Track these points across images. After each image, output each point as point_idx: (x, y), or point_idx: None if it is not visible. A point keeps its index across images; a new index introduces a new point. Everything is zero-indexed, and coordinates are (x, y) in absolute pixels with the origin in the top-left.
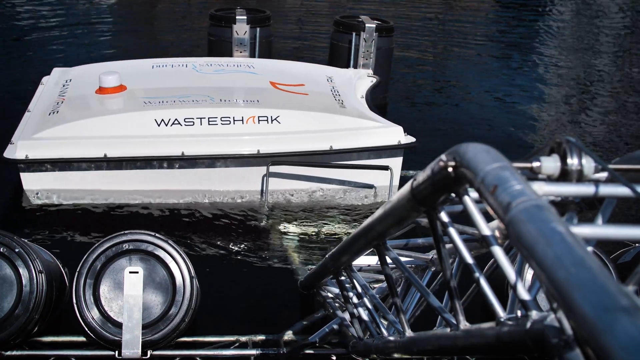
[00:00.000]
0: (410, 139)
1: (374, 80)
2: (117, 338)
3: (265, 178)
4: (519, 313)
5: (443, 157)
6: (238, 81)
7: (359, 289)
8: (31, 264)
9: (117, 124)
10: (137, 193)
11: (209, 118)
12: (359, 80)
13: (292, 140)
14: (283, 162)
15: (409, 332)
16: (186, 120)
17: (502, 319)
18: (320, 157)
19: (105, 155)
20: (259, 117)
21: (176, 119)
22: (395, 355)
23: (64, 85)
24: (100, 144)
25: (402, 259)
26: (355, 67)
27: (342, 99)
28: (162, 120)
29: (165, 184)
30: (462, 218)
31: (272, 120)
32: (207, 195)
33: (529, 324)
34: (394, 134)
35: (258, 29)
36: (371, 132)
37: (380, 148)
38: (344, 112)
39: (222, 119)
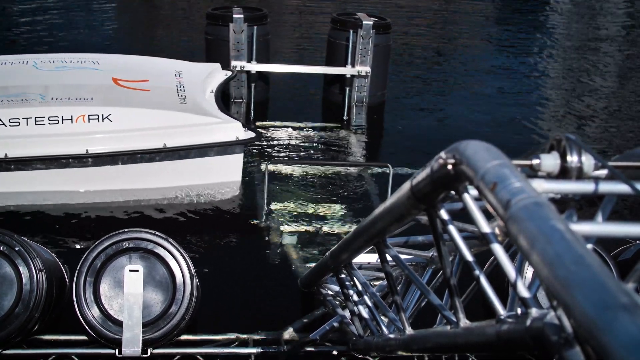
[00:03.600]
0: (250, 135)
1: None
2: (117, 336)
3: (264, 178)
4: (519, 311)
5: (443, 154)
6: (77, 78)
7: (359, 287)
8: (31, 263)
9: None
10: None
11: (35, 118)
12: (212, 74)
13: (123, 139)
14: (279, 162)
15: (409, 330)
16: (11, 120)
17: (502, 317)
18: (152, 156)
19: None
20: (89, 115)
21: (0, 120)
22: (396, 353)
23: None
24: None
25: (402, 256)
26: (353, 64)
27: (185, 95)
28: None
29: None
30: (462, 216)
31: (103, 119)
32: (36, 199)
33: (528, 322)
34: (232, 130)
35: (255, 28)
36: (208, 128)
37: (215, 145)
38: (182, 108)
39: (50, 118)
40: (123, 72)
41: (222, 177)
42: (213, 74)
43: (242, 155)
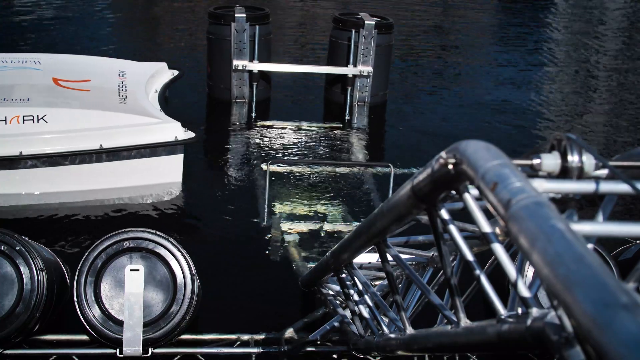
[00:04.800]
0: (189, 135)
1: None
2: (118, 336)
3: (265, 177)
4: (519, 310)
5: (443, 154)
6: (16, 78)
7: (360, 287)
8: (32, 262)
9: None
10: None
11: None
12: (158, 74)
13: (58, 140)
14: (280, 161)
15: (409, 330)
16: None
17: (502, 316)
18: (88, 157)
19: None
20: (24, 116)
21: None
22: (397, 353)
23: None
24: None
25: (403, 256)
26: (355, 64)
27: (126, 95)
28: None
29: None
30: (463, 215)
31: (38, 120)
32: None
33: (529, 321)
34: (171, 130)
35: (257, 27)
36: (146, 129)
37: (152, 145)
38: (120, 109)
39: None
40: (65, 72)
41: (162, 178)
42: (159, 74)
43: (182, 155)
